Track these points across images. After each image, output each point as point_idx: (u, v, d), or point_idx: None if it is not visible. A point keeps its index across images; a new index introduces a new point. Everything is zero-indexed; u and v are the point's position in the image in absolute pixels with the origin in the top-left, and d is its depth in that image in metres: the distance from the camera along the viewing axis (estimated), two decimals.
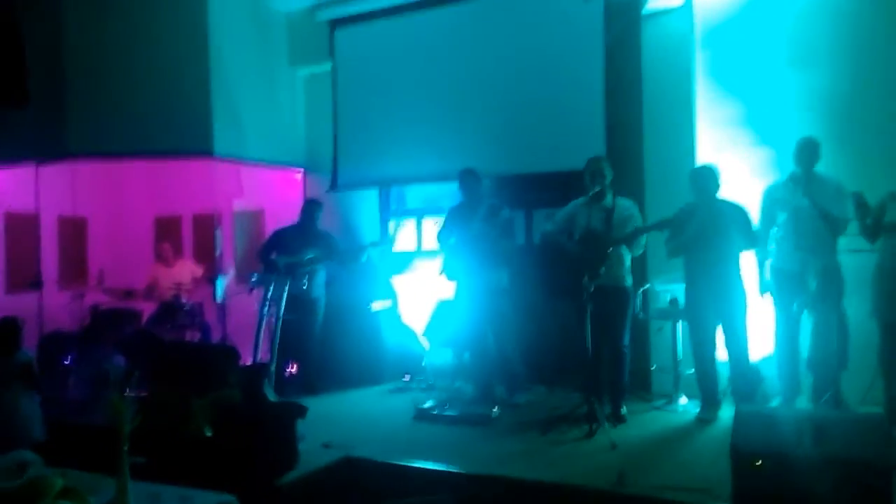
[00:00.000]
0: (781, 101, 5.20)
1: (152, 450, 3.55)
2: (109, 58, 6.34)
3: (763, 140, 5.26)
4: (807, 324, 4.53)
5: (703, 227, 4.51)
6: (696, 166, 4.72)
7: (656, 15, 5.51)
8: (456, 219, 5.32)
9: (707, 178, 4.61)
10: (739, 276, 4.58)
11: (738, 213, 4.56)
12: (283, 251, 5.68)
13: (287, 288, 5.12)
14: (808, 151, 4.50)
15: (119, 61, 6.34)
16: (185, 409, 3.54)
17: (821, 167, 4.50)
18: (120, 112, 6.30)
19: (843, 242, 4.44)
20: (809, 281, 4.45)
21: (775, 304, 4.65)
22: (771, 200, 4.65)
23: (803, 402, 4.62)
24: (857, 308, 4.41)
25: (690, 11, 5.42)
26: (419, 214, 6.94)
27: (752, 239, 4.53)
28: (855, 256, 4.38)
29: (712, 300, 4.54)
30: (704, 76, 5.45)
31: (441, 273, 5.39)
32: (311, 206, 6.00)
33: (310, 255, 5.60)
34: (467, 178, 5.27)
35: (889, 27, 4.86)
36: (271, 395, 3.92)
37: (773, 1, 5.25)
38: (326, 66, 6.97)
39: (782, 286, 4.59)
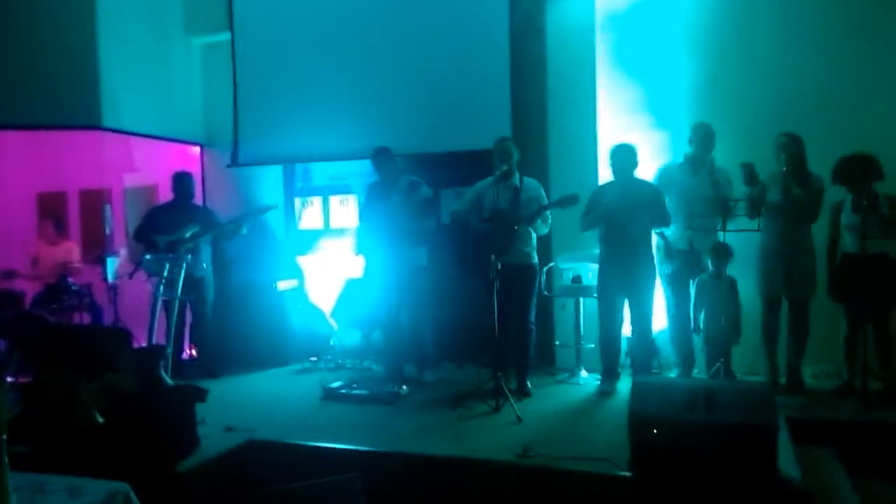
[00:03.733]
0: (676, 87, 5.41)
1: (38, 439, 3.35)
2: None
3: (659, 123, 5.47)
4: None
5: (619, 203, 4.63)
6: (614, 145, 4.82)
7: None
8: (374, 195, 5.26)
9: (626, 155, 4.72)
10: (651, 254, 4.75)
11: (653, 192, 4.70)
12: (162, 229, 5.40)
13: (184, 267, 4.87)
14: (704, 136, 4.72)
15: None
16: (73, 394, 3.33)
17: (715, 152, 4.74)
18: None
19: (733, 223, 4.70)
20: (702, 258, 4.70)
21: (672, 280, 4.87)
22: (665, 181, 4.86)
23: (697, 374, 4.88)
24: (745, 285, 4.69)
25: None
26: (325, 192, 6.80)
27: (666, 218, 4.67)
28: (742, 236, 4.64)
29: (623, 276, 4.68)
30: (606, 60, 5.59)
31: (356, 250, 5.31)
32: (183, 179, 5.72)
33: (190, 232, 5.33)
34: (381, 156, 5.21)
35: (780, 15, 5.13)
36: (167, 379, 3.74)
37: None
38: (225, 36, 6.65)
39: (675, 263, 4.82)
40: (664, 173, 4.93)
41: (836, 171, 4.42)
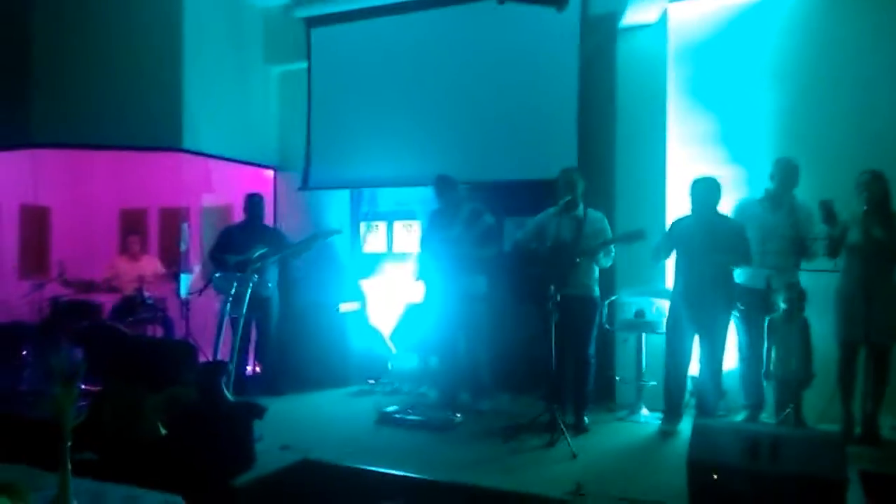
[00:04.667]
0: (753, 120, 5.26)
1: (104, 447, 3.48)
2: (79, 48, 6.20)
3: (733, 158, 5.32)
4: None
5: (696, 238, 4.50)
6: (697, 177, 4.65)
7: (632, 29, 5.55)
8: (436, 223, 5.31)
9: (708, 189, 4.56)
10: (727, 293, 4.55)
11: (737, 229, 4.53)
12: (233, 249, 5.57)
13: (250, 287, 5.02)
14: (787, 171, 4.55)
15: (90, 52, 6.21)
16: (139, 405, 3.45)
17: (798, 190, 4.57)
18: (88, 103, 6.15)
19: (810, 263, 4.51)
20: (776, 298, 4.50)
21: (740, 318, 4.69)
22: (743, 216, 4.69)
23: (765, 418, 4.67)
24: (821, 327, 4.48)
25: (665, 27, 5.48)
26: (390, 217, 6.91)
27: (747, 257, 4.48)
28: (820, 276, 4.45)
29: (697, 313, 4.52)
30: (677, 92, 5.51)
31: (416, 276, 5.36)
32: (254, 201, 5.91)
33: (259, 252, 5.50)
34: (442, 184, 5.27)
35: (865, 49, 4.95)
36: (229, 395, 3.84)
37: (746, 19, 5.33)
38: (302, 65, 6.91)
39: (749, 302, 4.64)
40: (743, 208, 4.75)
41: None
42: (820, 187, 4.60)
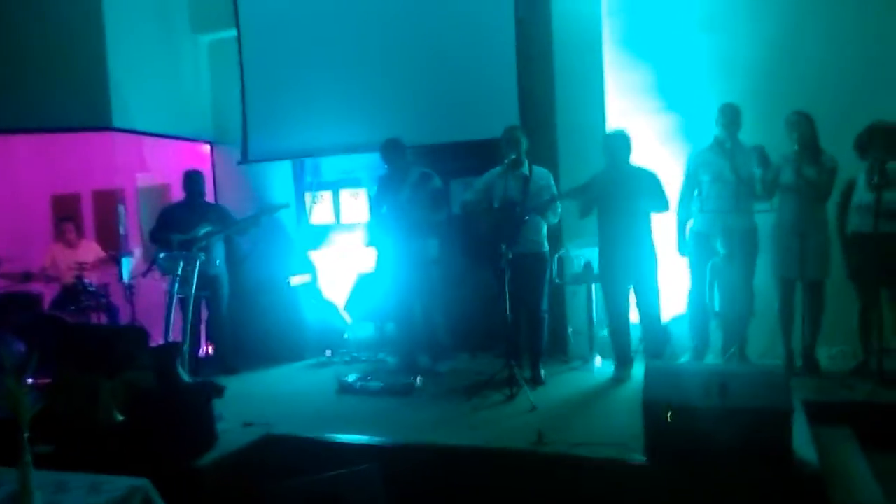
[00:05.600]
0: (690, 67, 5.36)
1: (61, 438, 3.40)
2: None
3: (669, 107, 5.43)
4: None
5: (613, 189, 4.62)
6: (608, 132, 4.82)
7: None
8: (385, 188, 5.27)
9: (619, 143, 4.71)
10: (650, 239, 4.72)
11: (649, 177, 4.69)
12: (176, 228, 5.42)
13: (197, 266, 4.91)
14: (731, 117, 4.65)
15: (2, 29, 5.85)
16: (94, 393, 3.38)
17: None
18: (6, 85, 5.82)
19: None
20: (724, 241, 4.64)
21: (691, 264, 4.84)
22: (696, 164, 4.79)
23: (711, 358, 4.87)
24: (761, 266, 4.66)
25: None
26: (336, 186, 6.82)
27: (664, 202, 4.65)
28: (758, 217, 4.62)
29: (624, 262, 4.68)
30: (612, 44, 5.55)
31: (367, 243, 5.32)
32: (193, 178, 5.73)
33: (204, 230, 5.37)
34: (390, 148, 5.20)
35: None
36: (185, 376, 3.79)
37: None
38: (231, 33, 6.66)
39: (700, 247, 4.78)
40: (696, 156, 4.85)
41: (859, 140, 4.38)
42: (755, 130, 4.74)
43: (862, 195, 4.38)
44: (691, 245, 4.82)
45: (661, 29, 5.44)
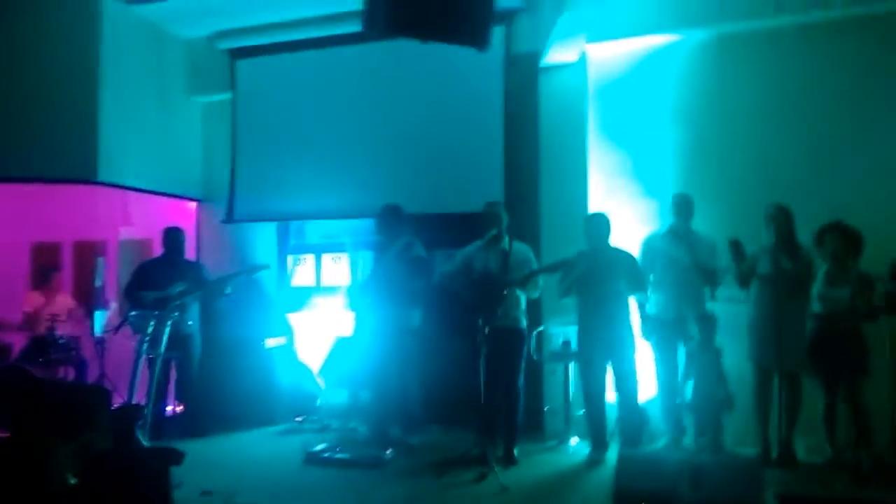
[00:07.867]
0: (659, 156, 5.50)
1: (9, 499, 3.26)
2: None
3: (647, 192, 5.52)
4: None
5: (593, 270, 4.67)
6: (589, 213, 4.90)
7: (553, 68, 5.72)
8: (376, 255, 5.29)
9: (599, 224, 4.80)
10: (628, 319, 4.74)
11: (627, 259, 4.76)
12: (152, 285, 5.37)
13: (168, 325, 4.82)
14: (683, 206, 4.79)
15: None
16: (47, 455, 3.26)
17: (695, 221, 4.78)
18: None
19: (721, 292, 4.70)
20: (689, 327, 4.68)
21: (654, 348, 4.84)
22: (649, 249, 4.89)
23: (688, 442, 4.80)
24: (737, 354, 4.66)
25: (585, 67, 5.66)
26: (318, 250, 6.82)
27: (641, 284, 4.72)
28: (733, 305, 4.65)
29: (602, 342, 4.68)
30: (596, 127, 5.69)
31: (349, 306, 5.30)
32: (173, 235, 5.72)
33: (178, 289, 5.31)
34: (383, 215, 5.23)
35: (753, 84, 5.25)
36: (144, 440, 3.67)
37: (651, 61, 5.56)
38: (226, 96, 6.81)
39: (660, 332, 4.80)
40: (648, 242, 4.95)
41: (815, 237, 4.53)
42: (720, 219, 4.88)
43: (824, 288, 4.49)
44: (650, 329, 4.83)
45: (636, 116, 5.59)
